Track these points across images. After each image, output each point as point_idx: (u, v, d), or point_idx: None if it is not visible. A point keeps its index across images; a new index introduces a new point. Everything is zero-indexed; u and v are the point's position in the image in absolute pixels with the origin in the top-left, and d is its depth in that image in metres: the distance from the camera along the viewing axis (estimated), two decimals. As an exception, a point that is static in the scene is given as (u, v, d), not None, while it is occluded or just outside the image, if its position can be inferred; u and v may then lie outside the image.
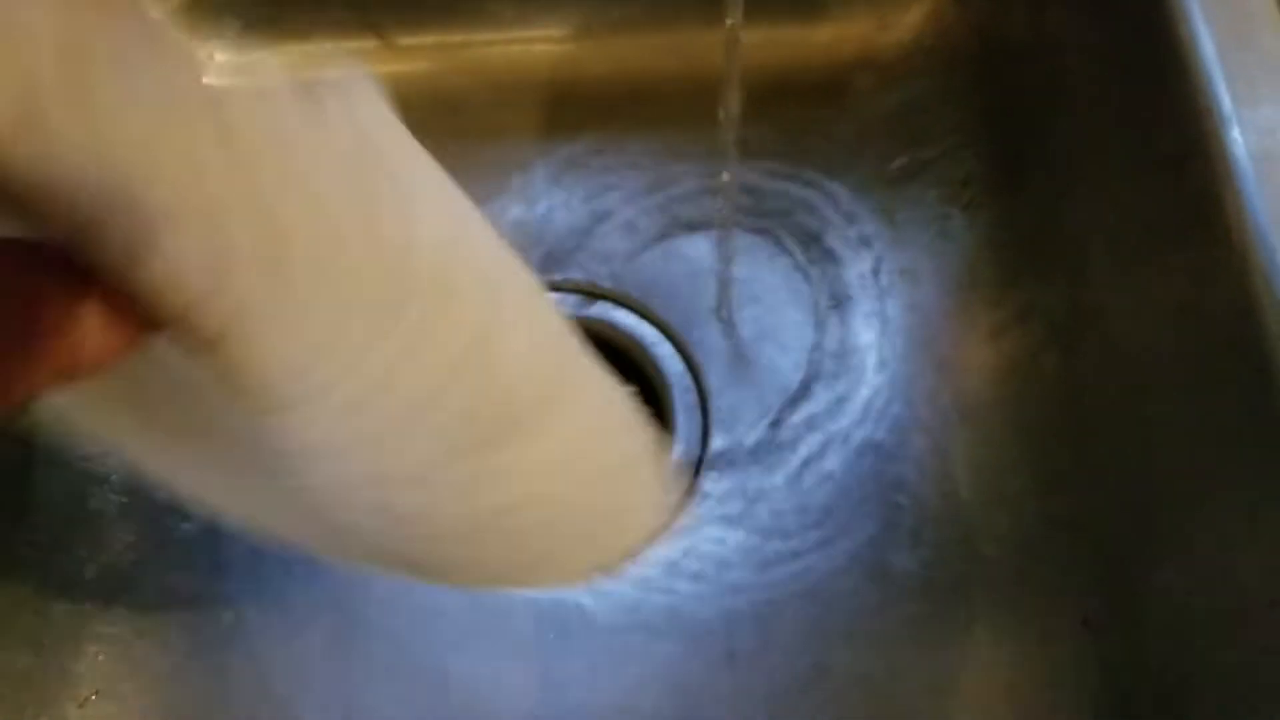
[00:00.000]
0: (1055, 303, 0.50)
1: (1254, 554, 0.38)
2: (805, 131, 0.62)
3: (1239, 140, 0.38)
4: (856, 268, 0.60)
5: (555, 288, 0.61)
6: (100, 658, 0.52)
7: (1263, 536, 0.37)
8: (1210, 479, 0.40)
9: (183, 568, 0.53)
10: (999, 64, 0.55)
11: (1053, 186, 0.50)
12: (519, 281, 0.30)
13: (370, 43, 0.65)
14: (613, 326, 0.60)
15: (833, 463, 0.55)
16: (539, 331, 0.31)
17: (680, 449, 0.56)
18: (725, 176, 0.50)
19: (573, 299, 0.60)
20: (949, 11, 0.59)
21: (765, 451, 0.56)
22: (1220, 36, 0.40)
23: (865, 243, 0.60)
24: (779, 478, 0.55)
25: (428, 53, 0.65)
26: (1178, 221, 0.41)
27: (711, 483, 0.55)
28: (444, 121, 0.63)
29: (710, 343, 0.59)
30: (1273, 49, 0.40)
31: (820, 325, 0.59)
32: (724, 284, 0.59)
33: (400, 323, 0.25)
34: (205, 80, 0.20)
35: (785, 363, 0.58)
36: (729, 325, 0.59)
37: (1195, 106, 0.40)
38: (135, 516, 0.54)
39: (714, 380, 0.58)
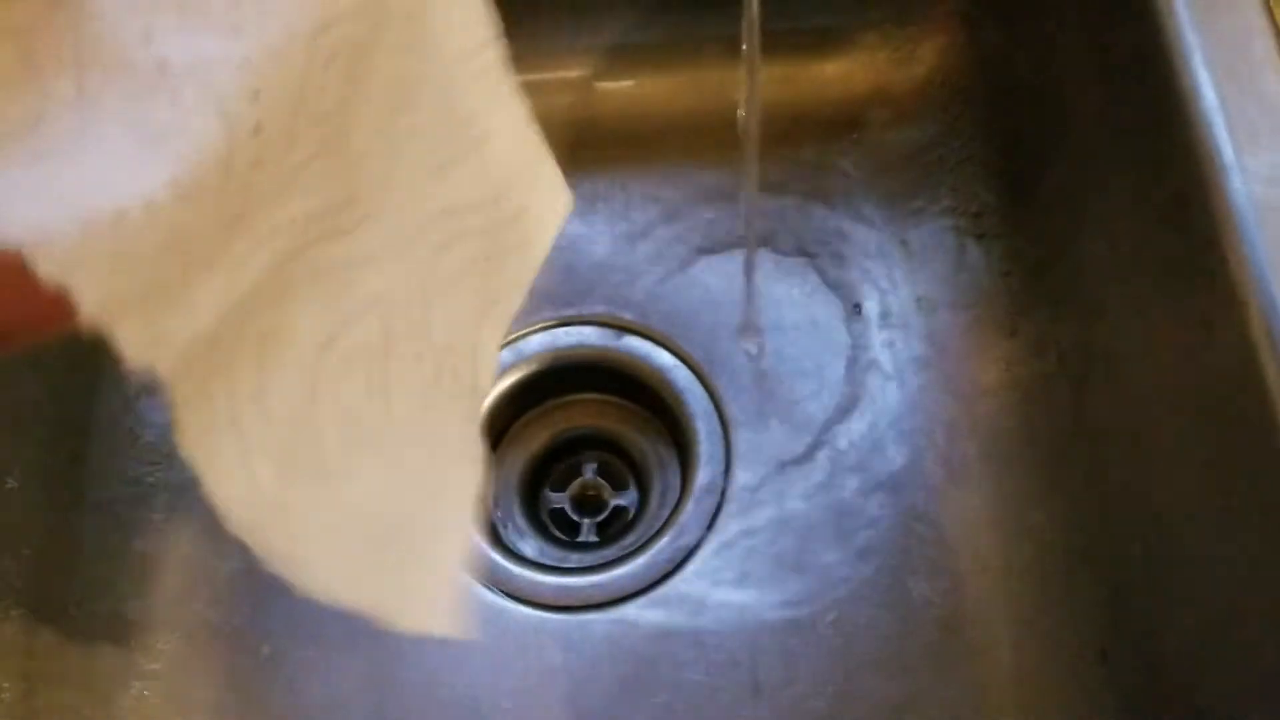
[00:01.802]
0: (1067, 336, 0.51)
1: (1261, 590, 0.38)
2: (822, 165, 0.63)
3: (1240, 188, 0.39)
4: (874, 297, 0.61)
5: (581, 321, 0.62)
6: (145, 693, 0.53)
7: (1268, 574, 0.38)
8: (1217, 518, 0.40)
9: (222, 604, 0.55)
10: (1009, 100, 0.56)
11: (1063, 222, 0.51)
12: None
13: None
14: (638, 359, 0.61)
15: (854, 492, 0.56)
16: None
17: (705, 479, 0.57)
18: (744, 208, 0.51)
19: (599, 332, 0.62)
20: (961, 48, 0.60)
21: (787, 481, 0.57)
22: (1221, 82, 0.41)
23: (883, 272, 0.61)
24: (801, 507, 0.56)
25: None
26: (1181, 266, 0.41)
27: (734, 513, 0.56)
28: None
29: (733, 374, 0.60)
30: (1274, 95, 0.41)
31: (839, 355, 0.60)
32: (747, 316, 0.60)
33: None
34: None
35: (806, 393, 0.59)
36: (751, 357, 0.60)
37: (1196, 153, 0.40)
38: (176, 556, 0.56)
39: (737, 412, 0.59)
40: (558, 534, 0.61)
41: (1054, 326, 0.52)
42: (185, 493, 0.56)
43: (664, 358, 0.61)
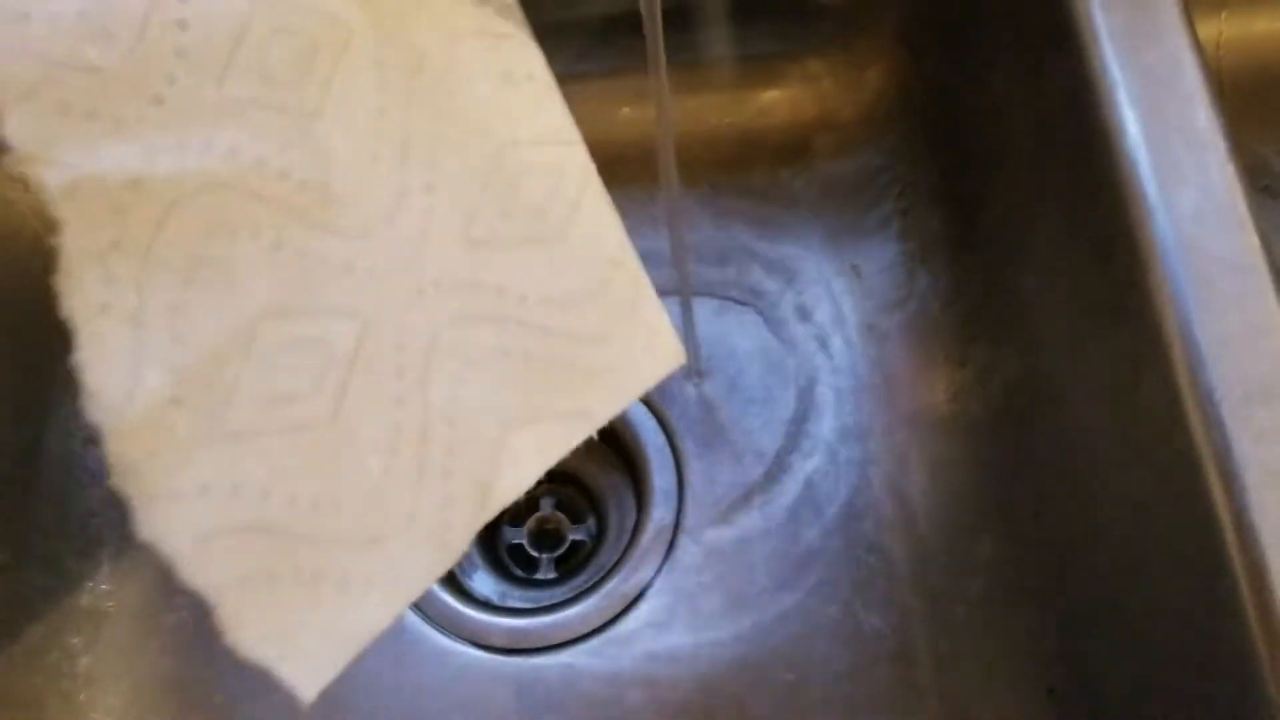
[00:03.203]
0: (1011, 368, 0.51)
1: (1197, 634, 0.38)
2: (770, 191, 0.62)
3: (1165, 228, 0.38)
4: (823, 325, 0.60)
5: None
6: (96, 747, 0.53)
7: (1202, 619, 0.37)
8: (1154, 563, 0.40)
9: (173, 654, 0.55)
10: (954, 126, 0.56)
11: (1004, 253, 0.51)
12: None
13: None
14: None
15: (805, 525, 0.56)
16: None
17: (658, 514, 0.57)
18: (669, 238, 0.50)
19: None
20: (905, 74, 0.60)
21: (739, 515, 0.57)
22: (1146, 118, 0.40)
23: (833, 300, 0.61)
24: (753, 541, 0.56)
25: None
26: (1110, 305, 0.41)
27: (687, 549, 0.56)
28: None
29: (685, 406, 0.59)
30: (1200, 131, 0.40)
31: (788, 386, 0.59)
32: (692, 348, 0.60)
33: None
34: None
35: (757, 425, 0.59)
36: (700, 390, 0.60)
37: (1121, 192, 0.40)
38: (125, 607, 0.56)
39: (690, 444, 0.59)
40: (515, 570, 0.61)
41: (999, 358, 0.51)
42: (133, 542, 0.56)
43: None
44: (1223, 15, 0.63)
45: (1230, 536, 0.35)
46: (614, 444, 0.61)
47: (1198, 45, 0.42)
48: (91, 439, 0.57)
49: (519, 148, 0.34)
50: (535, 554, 0.61)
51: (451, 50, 0.33)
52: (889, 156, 0.60)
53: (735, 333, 0.61)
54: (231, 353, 0.29)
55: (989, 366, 0.53)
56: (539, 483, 0.61)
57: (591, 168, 0.35)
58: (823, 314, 0.60)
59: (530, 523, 0.62)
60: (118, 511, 0.57)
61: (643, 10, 0.36)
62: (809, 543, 0.55)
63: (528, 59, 0.34)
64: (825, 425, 0.58)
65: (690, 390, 0.60)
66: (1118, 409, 0.41)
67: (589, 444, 0.61)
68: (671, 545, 0.57)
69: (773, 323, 0.61)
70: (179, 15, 0.27)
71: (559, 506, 0.62)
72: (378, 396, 0.32)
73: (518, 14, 0.34)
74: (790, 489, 0.57)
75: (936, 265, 0.57)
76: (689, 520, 0.57)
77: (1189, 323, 0.37)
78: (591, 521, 0.62)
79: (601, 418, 0.35)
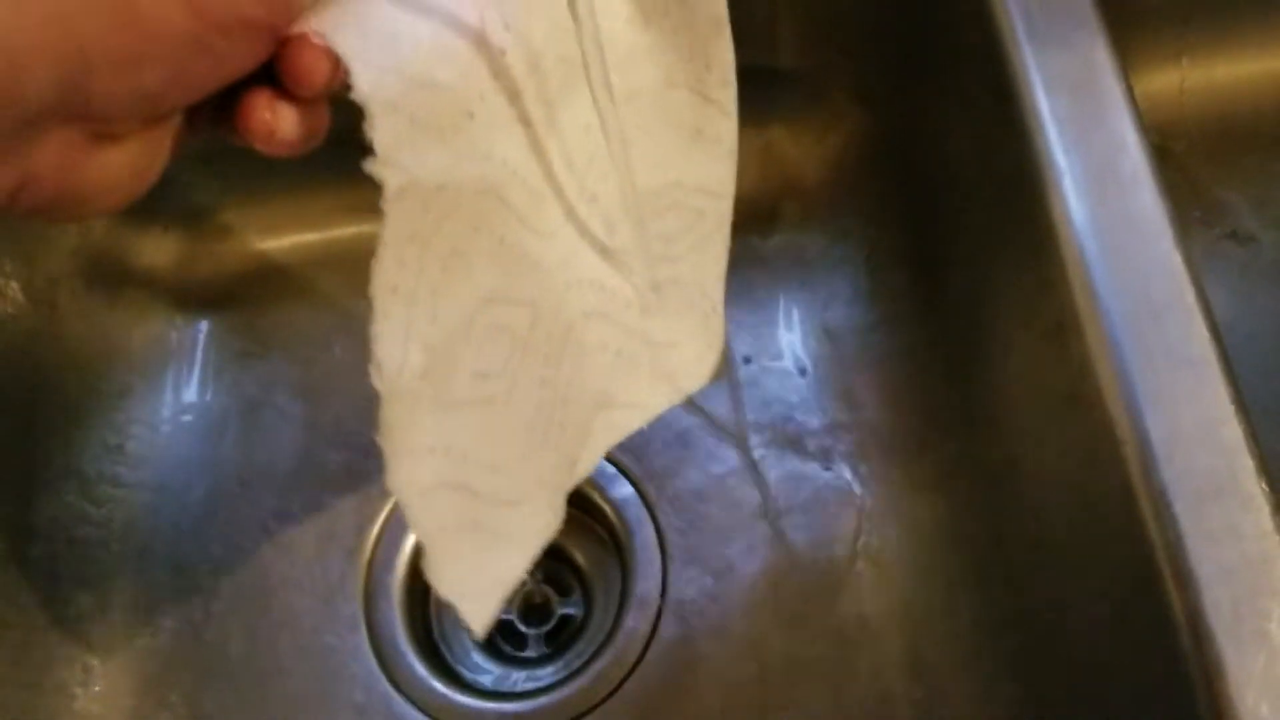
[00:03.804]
0: (979, 440, 0.51)
1: (1162, 711, 0.38)
2: (738, 257, 0.62)
3: (1114, 318, 0.39)
4: (796, 388, 0.60)
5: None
6: None
7: (1161, 712, 0.37)
8: (1112, 651, 0.40)
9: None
10: (916, 190, 0.56)
11: (968, 320, 0.51)
12: None
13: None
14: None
15: (786, 599, 0.56)
16: None
17: (642, 589, 0.57)
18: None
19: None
20: (867, 139, 0.60)
21: (723, 587, 0.57)
22: (1093, 206, 0.41)
23: (809, 366, 0.61)
24: (736, 613, 0.56)
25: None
26: (1065, 392, 0.41)
27: (672, 625, 0.56)
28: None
29: (662, 482, 0.60)
30: (1145, 217, 0.40)
31: (764, 455, 0.59)
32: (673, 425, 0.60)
33: None
34: None
35: (740, 498, 0.59)
36: (683, 466, 0.60)
37: (1069, 280, 0.40)
38: (117, 709, 0.56)
39: (672, 518, 0.59)
40: (504, 647, 0.61)
41: (969, 429, 0.52)
42: (116, 652, 0.57)
43: (601, 467, 0.61)
44: (1183, 61, 0.63)
45: (1185, 636, 0.35)
46: (597, 517, 0.61)
47: (1142, 126, 0.42)
48: (81, 519, 0.58)
49: (679, 188, 0.39)
50: (525, 630, 0.61)
51: (664, 93, 0.37)
52: (856, 219, 0.60)
53: (710, 399, 0.61)
54: (460, 333, 0.33)
55: (960, 435, 0.53)
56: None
57: (728, 218, 0.41)
58: (797, 376, 0.61)
59: (518, 599, 0.62)
60: (103, 615, 0.57)
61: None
62: (793, 616, 0.56)
63: (722, 126, 0.39)
64: (804, 490, 0.58)
65: (670, 461, 0.60)
66: (1075, 498, 0.41)
67: (573, 518, 0.62)
68: (659, 615, 0.57)
69: (750, 386, 0.61)
70: (501, 43, 0.31)
71: (546, 580, 0.62)
72: (533, 377, 0.36)
73: (732, 92, 0.38)
74: (770, 566, 0.57)
75: (906, 328, 0.57)
76: (672, 596, 0.57)
77: (1141, 417, 0.37)
78: (578, 594, 0.62)
79: (654, 410, 0.42)
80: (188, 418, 0.63)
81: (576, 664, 0.57)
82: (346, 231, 0.67)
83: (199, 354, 0.64)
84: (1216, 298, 0.60)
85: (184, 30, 0.25)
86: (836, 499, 0.58)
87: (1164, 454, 0.37)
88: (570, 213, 0.36)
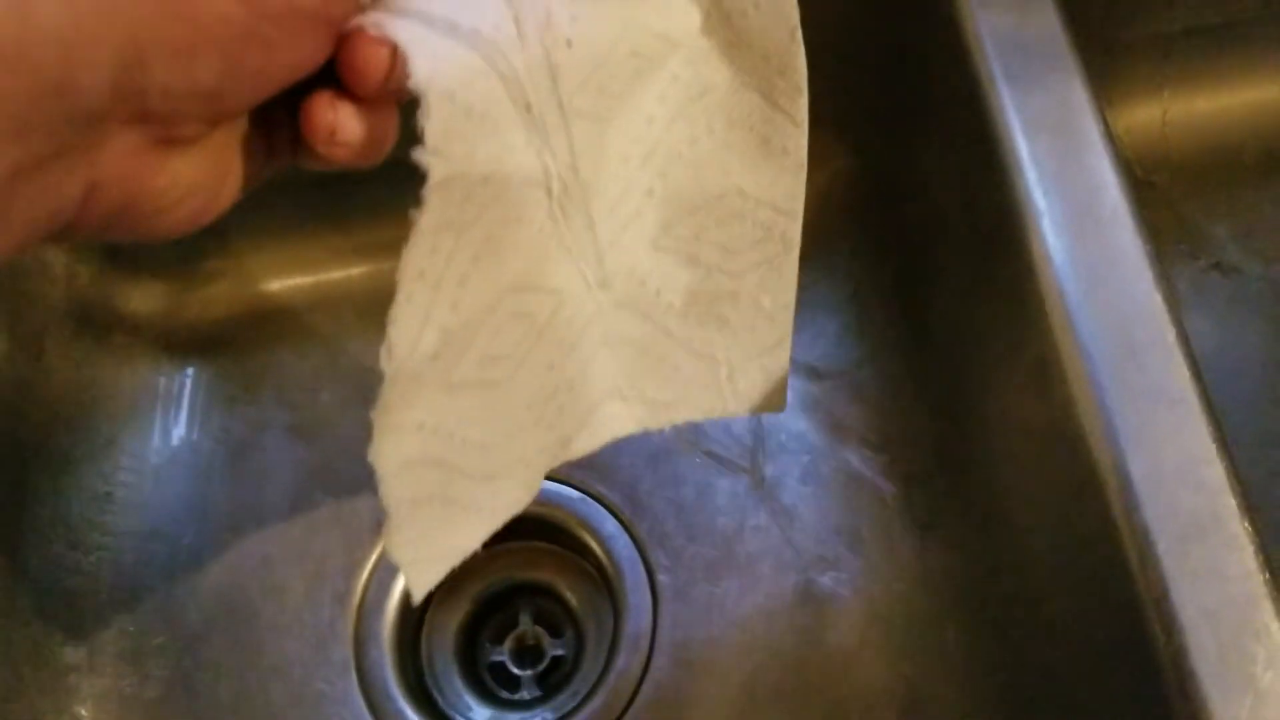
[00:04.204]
0: (967, 476, 0.51)
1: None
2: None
3: (1095, 360, 0.39)
4: (784, 427, 0.61)
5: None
6: None
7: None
8: (1099, 696, 0.40)
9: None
10: (900, 228, 0.56)
11: (953, 358, 0.51)
12: None
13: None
14: (560, 507, 0.61)
15: (777, 635, 0.56)
16: None
17: (632, 628, 0.57)
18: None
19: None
20: (853, 177, 0.60)
21: (713, 630, 0.57)
22: (1072, 245, 0.41)
23: (797, 412, 0.61)
24: (726, 657, 0.56)
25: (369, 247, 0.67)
26: (1048, 430, 0.41)
27: (663, 666, 0.56)
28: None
29: (654, 520, 0.60)
30: (1125, 257, 0.40)
31: (755, 490, 0.59)
32: (663, 461, 0.60)
33: None
34: None
35: (730, 536, 0.59)
36: (674, 503, 0.60)
37: (1051, 322, 0.40)
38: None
39: (661, 557, 0.59)
40: (498, 691, 0.61)
41: (957, 466, 0.52)
42: (106, 702, 0.57)
43: (589, 506, 0.61)
44: (1165, 94, 0.63)
45: (1170, 678, 0.35)
46: (588, 556, 0.61)
47: (1120, 166, 0.42)
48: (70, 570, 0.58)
49: (743, 197, 0.38)
50: (517, 672, 0.61)
51: (734, 95, 0.36)
52: (842, 256, 0.61)
53: (702, 438, 0.61)
54: (478, 318, 0.33)
55: (947, 471, 0.53)
56: (515, 599, 0.62)
57: (796, 241, 0.40)
58: (788, 416, 0.61)
59: (510, 640, 0.62)
60: (91, 672, 0.57)
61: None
62: (781, 657, 0.55)
63: (790, 136, 0.38)
64: (797, 531, 0.58)
65: (659, 500, 0.60)
66: (1060, 537, 0.41)
67: (564, 558, 0.62)
68: (650, 655, 0.57)
69: (738, 426, 0.61)
70: (568, 34, 0.30)
71: (538, 621, 0.62)
72: (542, 362, 0.36)
73: (804, 101, 0.38)
74: (758, 604, 0.57)
75: (892, 364, 0.57)
76: (665, 625, 0.57)
77: (1123, 456, 0.37)
78: (570, 635, 0.62)
79: (680, 418, 0.41)
80: (176, 463, 0.63)
81: (569, 705, 0.57)
82: (335, 275, 0.67)
83: (186, 399, 0.64)
84: (1201, 329, 0.61)
85: (236, 19, 0.25)
86: (824, 540, 0.58)
87: (1146, 493, 0.37)
88: (617, 205, 0.36)
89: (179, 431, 0.64)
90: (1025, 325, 0.42)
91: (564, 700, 0.59)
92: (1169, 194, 0.64)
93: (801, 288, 0.59)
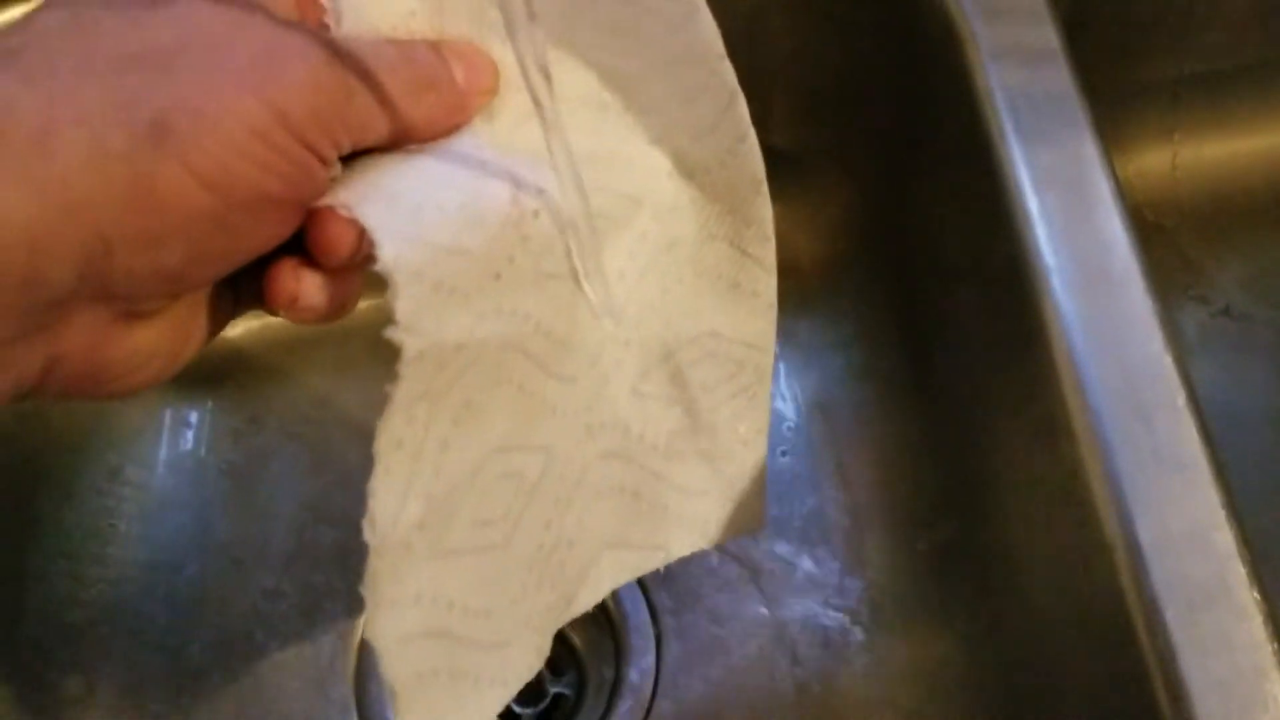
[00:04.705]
0: (972, 529, 0.51)
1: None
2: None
3: (1104, 418, 0.39)
4: (793, 466, 0.60)
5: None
6: None
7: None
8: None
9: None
10: (908, 273, 0.56)
11: (960, 407, 0.51)
12: None
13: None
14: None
15: (781, 680, 0.56)
16: None
17: (635, 672, 0.57)
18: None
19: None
20: (860, 219, 0.60)
21: (714, 668, 0.57)
22: (1082, 303, 0.41)
23: (804, 443, 0.61)
24: (728, 700, 0.56)
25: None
26: (1055, 489, 0.41)
27: (664, 705, 0.56)
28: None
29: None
30: (1136, 315, 0.40)
31: (757, 535, 0.59)
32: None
33: None
34: None
35: (733, 579, 0.59)
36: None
37: (1060, 379, 0.40)
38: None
39: (664, 599, 0.59)
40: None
41: (962, 517, 0.51)
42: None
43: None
44: (1175, 138, 0.63)
45: (1180, 749, 0.35)
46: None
47: (1131, 222, 0.42)
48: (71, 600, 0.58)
49: (716, 338, 0.39)
50: (519, 710, 0.61)
51: (703, 245, 0.37)
52: (851, 303, 0.61)
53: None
54: (464, 482, 0.32)
55: (950, 524, 0.53)
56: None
57: (769, 372, 0.40)
58: (793, 459, 0.61)
59: (511, 678, 0.61)
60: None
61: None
62: (785, 691, 0.55)
63: (760, 280, 0.39)
64: (802, 574, 0.58)
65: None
66: (1067, 597, 0.41)
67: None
68: (653, 698, 0.57)
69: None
70: (535, 206, 0.31)
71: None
72: (537, 521, 0.36)
73: (771, 248, 0.38)
74: (764, 635, 0.57)
75: (899, 409, 0.57)
76: (667, 672, 0.57)
77: (1131, 520, 0.37)
78: (573, 674, 0.61)
79: (675, 554, 0.41)
80: (179, 495, 0.63)
81: (569, 750, 0.57)
82: (341, 306, 0.67)
83: (190, 433, 0.64)
84: (1210, 375, 0.61)
85: (204, 210, 0.25)
86: (829, 582, 0.58)
87: (1155, 559, 0.36)
88: (596, 359, 0.36)
89: (183, 465, 0.64)
90: (1033, 381, 0.42)
91: (564, 742, 0.58)
92: (1178, 238, 0.63)
93: (809, 330, 0.59)
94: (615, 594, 0.60)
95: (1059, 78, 0.45)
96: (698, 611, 0.58)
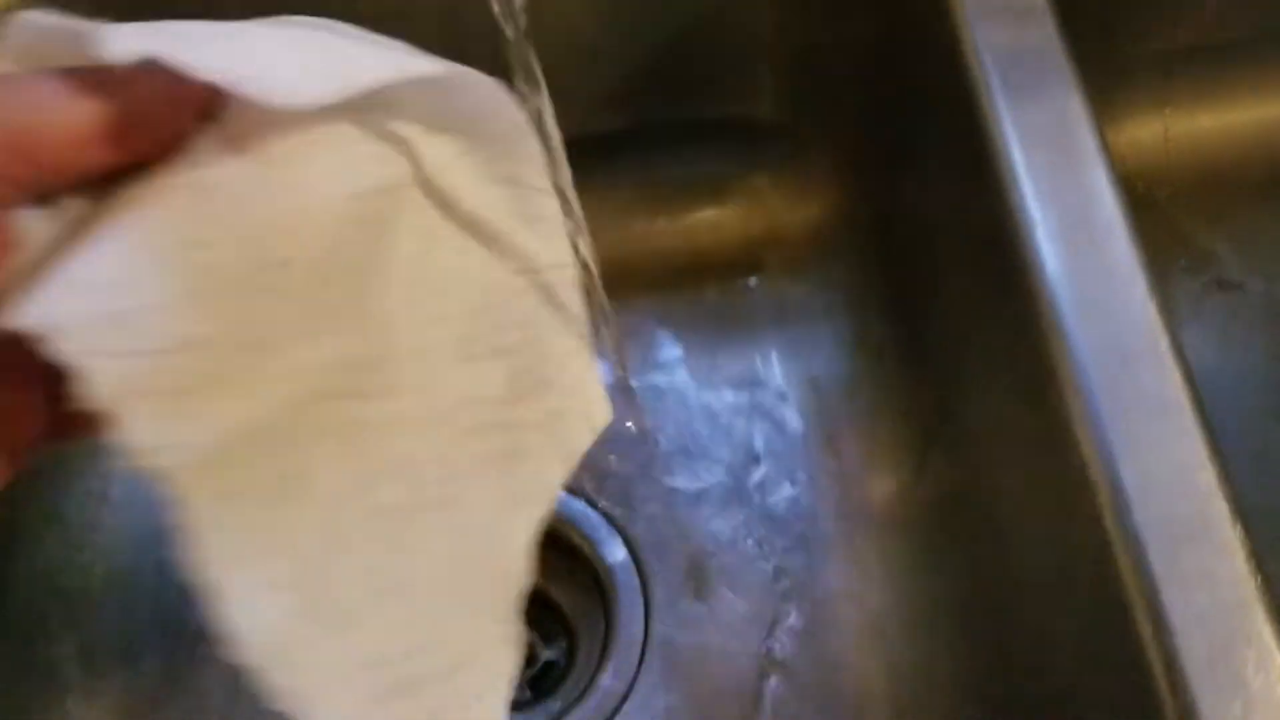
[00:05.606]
0: (959, 483, 0.51)
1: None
2: (723, 307, 0.63)
3: (1088, 369, 0.39)
4: (784, 435, 0.61)
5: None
6: None
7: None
8: (1089, 697, 0.40)
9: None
10: (896, 242, 0.56)
11: (947, 369, 0.51)
12: None
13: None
14: (555, 513, 0.61)
15: (768, 645, 0.56)
16: None
17: (625, 635, 0.57)
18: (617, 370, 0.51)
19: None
20: (848, 191, 0.60)
21: (703, 633, 0.57)
22: (1066, 255, 0.41)
23: (793, 413, 0.61)
24: (717, 666, 0.56)
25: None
26: (1040, 437, 0.41)
27: (655, 669, 0.56)
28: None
29: (650, 522, 0.60)
30: (1119, 266, 0.40)
31: (751, 496, 0.60)
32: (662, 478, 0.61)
33: None
34: None
35: (720, 538, 0.59)
36: (667, 510, 0.60)
37: (1044, 329, 0.40)
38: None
39: (653, 561, 0.59)
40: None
41: (949, 473, 0.52)
42: (97, 699, 0.57)
43: (587, 513, 0.61)
44: (1167, 110, 0.63)
45: (1161, 683, 0.35)
46: (581, 562, 0.61)
47: (1116, 176, 0.42)
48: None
49: (517, 276, 0.37)
50: (509, 677, 0.61)
51: (476, 198, 0.35)
52: (840, 269, 0.61)
53: (698, 447, 0.61)
54: (330, 545, 0.29)
55: (940, 479, 0.53)
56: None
57: (576, 284, 0.38)
58: (781, 421, 0.61)
59: (503, 645, 0.62)
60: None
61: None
62: (778, 663, 0.55)
63: (545, 204, 0.37)
64: (790, 539, 0.58)
65: (654, 505, 0.60)
66: (1053, 543, 0.41)
67: (557, 565, 0.62)
68: (640, 662, 0.57)
69: (735, 434, 0.61)
70: (284, 255, 0.26)
71: (530, 625, 0.62)
72: (438, 536, 0.33)
73: (543, 166, 0.36)
74: (753, 613, 0.57)
75: (888, 374, 0.58)
76: (657, 634, 0.57)
77: (1114, 463, 0.37)
78: (563, 640, 0.62)
79: (558, 481, 0.38)
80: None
81: (555, 709, 0.57)
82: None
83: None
84: (1202, 345, 0.61)
85: None
86: (820, 544, 0.58)
87: (1138, 499, 0.37)
88: (416, 348, 0.33)
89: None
90: (1019, 335, 0.42)
91: (551, 705, 0.59)
92: (1171, 210, 0.64)
93: (798, 298, 0.59)
94: (604, 559, 0.60)
95: (1045, 35, 0.45)
96: (687, 577, 0.58)
